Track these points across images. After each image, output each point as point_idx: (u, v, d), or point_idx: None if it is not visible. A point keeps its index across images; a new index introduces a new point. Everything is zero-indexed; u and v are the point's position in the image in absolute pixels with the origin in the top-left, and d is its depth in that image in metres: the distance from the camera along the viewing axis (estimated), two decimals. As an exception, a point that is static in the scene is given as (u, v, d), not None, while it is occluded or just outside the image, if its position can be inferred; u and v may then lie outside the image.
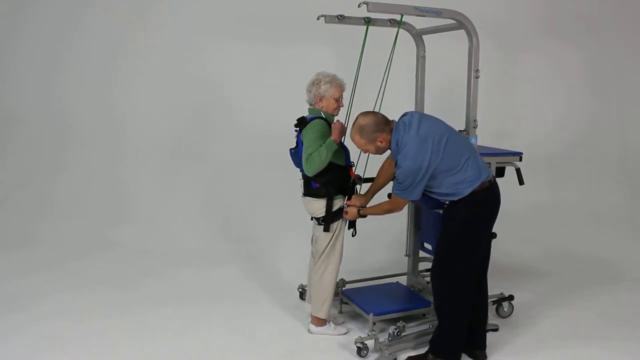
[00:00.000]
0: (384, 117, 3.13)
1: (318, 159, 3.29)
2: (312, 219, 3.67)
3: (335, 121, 3.45)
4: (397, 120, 3.16)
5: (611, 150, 6.46)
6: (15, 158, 6.21)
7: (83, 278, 4.66)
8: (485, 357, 3.35)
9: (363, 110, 3.19)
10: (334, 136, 3.34)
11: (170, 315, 3.94)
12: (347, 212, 3.51)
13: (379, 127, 3.08)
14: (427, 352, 3.26)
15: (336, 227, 3.55)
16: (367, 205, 3.50)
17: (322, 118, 3.45)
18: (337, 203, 3.51)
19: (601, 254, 5.42)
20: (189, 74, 6.12)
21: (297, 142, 3.53)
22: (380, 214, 3.37)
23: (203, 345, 3.52)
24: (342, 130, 3.40)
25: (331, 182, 3.44)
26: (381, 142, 3.11)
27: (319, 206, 3.50)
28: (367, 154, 3.27)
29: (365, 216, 3.48)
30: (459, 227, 3.09)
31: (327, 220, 3.50)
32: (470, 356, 3.35)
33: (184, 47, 6.10)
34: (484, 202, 3.10)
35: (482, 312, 3.34)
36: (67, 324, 3.78)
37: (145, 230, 5.72)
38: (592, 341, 3.61)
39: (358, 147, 3.20)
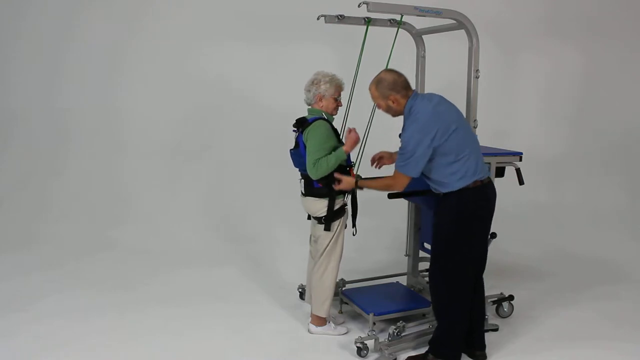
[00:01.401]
0: (406, 80, 3.12)
1: (326, 166, 3.30)
2: (308, 218, 3.67)
3: (351, 130, 3.40)
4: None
5: (611, 150, 6.45)
6: (15, 158, 6.22)
7: (83, 278, 4.66)
8: (485, 357, 3.35)
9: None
10: (347, 147, 3.34)
11: (170, 315, 3.94)
12: (340, 181, 3.36)
13: (396, 88, 3.08)
14: (427, 352, 3.26)
15: (337, 227, 3.55)
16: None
17: (323, 119, 3.45)
18: (338, 202, 3.51)
19: (601, 254, 5.42)
20: (189, 74, 6.12)
21: (297, 143, 3.53)
22: (378, 189, 3.30)
23: (203, 345, 3.52)
24: (357, 142, 3.38)
25: (333, 182, 3.43)
26: (393, 101, 3.10)
27: (320, 206, 3.50)
28: (365, 153, 3.24)
29: (362, 188, 3.40)
30: (450, 221, 3.08)
31: (328, 220, 3.50)
32: (470, 356, 3.35)
33: (184, 47, 6.10)
34: (474, 201, 3.07)
35: (479, 311, 3.33)
36: (67, 324, 3.77)
37: (145, 230, 5.72)
38: (592, 341, 3.62)
39: (372, 98, 3.18)
